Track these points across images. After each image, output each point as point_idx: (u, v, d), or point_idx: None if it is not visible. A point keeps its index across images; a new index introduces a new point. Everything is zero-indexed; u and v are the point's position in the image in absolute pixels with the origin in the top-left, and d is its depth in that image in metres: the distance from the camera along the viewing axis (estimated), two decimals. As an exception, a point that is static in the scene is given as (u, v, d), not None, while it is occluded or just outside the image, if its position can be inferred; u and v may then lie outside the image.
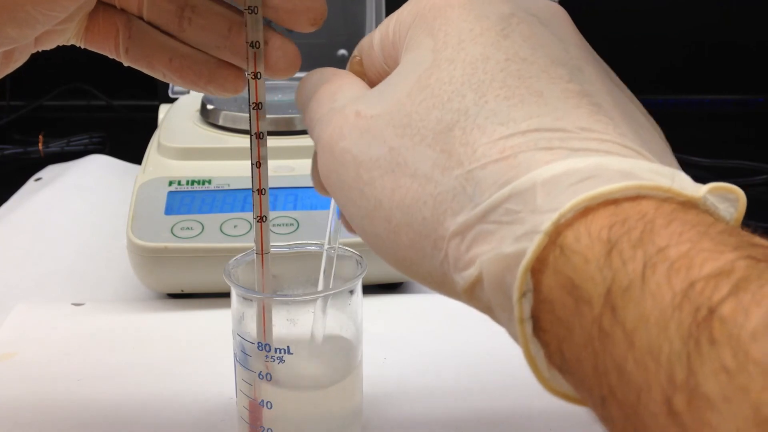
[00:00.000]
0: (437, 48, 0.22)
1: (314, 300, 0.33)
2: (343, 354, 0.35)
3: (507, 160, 0.20)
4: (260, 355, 0.32)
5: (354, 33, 0.75)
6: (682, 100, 1.12)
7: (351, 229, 0.27)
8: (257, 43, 0.29)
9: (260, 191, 0.31)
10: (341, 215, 0.29)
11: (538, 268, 0.19)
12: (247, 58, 0.29)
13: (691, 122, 1.05)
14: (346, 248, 0.35)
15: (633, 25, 1.07)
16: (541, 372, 0.20)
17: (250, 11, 0.28)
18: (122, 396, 0.40)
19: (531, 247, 0.18)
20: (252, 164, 0.31)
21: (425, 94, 0.22)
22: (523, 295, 0.19)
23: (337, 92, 0.25)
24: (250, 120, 0.30)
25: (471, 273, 0.20)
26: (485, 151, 0.20)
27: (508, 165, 0.20)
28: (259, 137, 0.30)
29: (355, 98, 0.24)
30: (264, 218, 0.31)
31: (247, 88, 0.30)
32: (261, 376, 0.32)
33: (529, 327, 0.19)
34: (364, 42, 0.28)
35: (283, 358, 0.32)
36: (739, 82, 1.12)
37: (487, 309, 0.21)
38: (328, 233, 0.33)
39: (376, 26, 0.85)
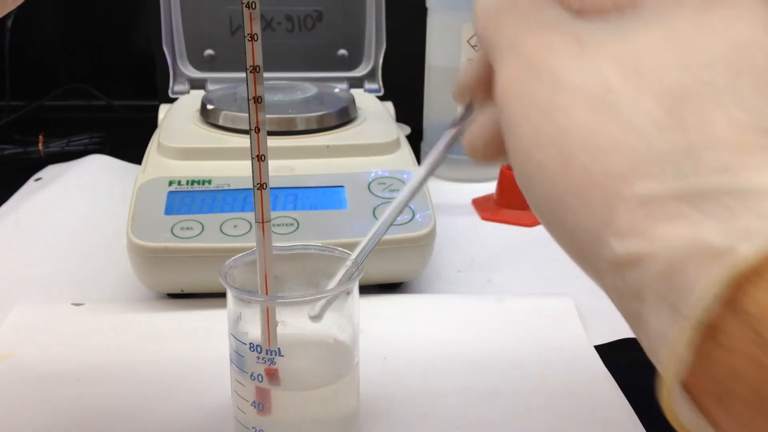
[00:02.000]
0: (705, 11, 0.20)
1: (310, 302, 0.33)
2: (338, 356, 0.35)
3: (741, 152, 0.18)
4: (252, 356, 0.32)
5: (354, 33, 0.75)
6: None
7: (475, 153, 0.25)
8: (253, 4, 0.29)
9: (259, 157, 0.31)
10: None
11: (748, 276, 0.16)
12: (243, 20, 0.29)
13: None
14: (344, 250, 0.35)
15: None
16: (673, 395, 0.17)
17: None
18: (122, 396, 0.40)
19: (749, 248, 0.16)
20: (250, 129, 0.31)
21: (673, 51, 0.19)
22: (708, 297, 0.16)
23: (545, 7, 0.23)
24: (247, 84, 0.30)
25: (639, 245, 0.18)
26: (720, 132, 0.18)
27: (741, 157, 0.17)
28: (257, 101, 0.30)
29: (572, 21, 0.22)
30: (265, 185, 0.31)
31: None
32: (253, 377, 0.32)
33: (697, 336, 0.16)
34: None
35: (275, 360, 0.32)
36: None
37: (631, 294, 0.19)
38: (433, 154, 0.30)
39: (376, 27, 0.84)
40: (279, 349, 0.32)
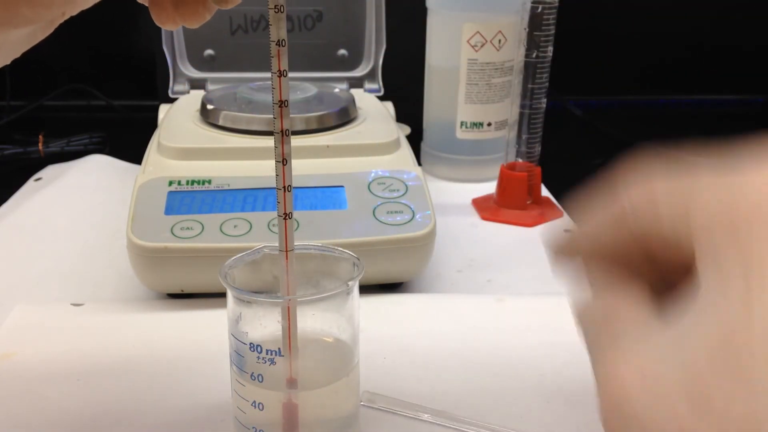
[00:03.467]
0: (752, 296, 0.17)
1: (312, 302, 0.33)
2: (339, 356, 0.35)
3: None
4: (252, 356, 0.32)
5: (354, 33, 0.75)
6: (682, 100, 1.12)
7: None
8: (283, 41, 0.29)
9: (286, 188, 0.31)
10: None
11: None
12: (271, 56, 0.29)
13: (691, 122, 1.05)
14: (344, 250, 0.35)
15: (634, 26, 1.07)
16: None
17: (276, 10, 0.28)
18: (122, 396, 0.40)
19: None
20: (276, 161, 0.31)
21: (730, 367, 0.17)
22: None
23: (617, 327, 0.22)
24: (274, 117, 0.30)
25: None
26: None
27: None
28: (284, 134, 0.30)
29: (637, 339, 0.20)
30: (290, 215, 0.31)
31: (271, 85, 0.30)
32: (253, 378, 0.32)
33: None
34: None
35: (275, 360, 0.32)
36: (739, 82, 1.12)
37: None
38: None
39: (376, 27, 0.84)
40: (279, 349, 0.32)
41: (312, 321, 0.34)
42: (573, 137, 0.95)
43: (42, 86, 0.97)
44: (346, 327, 0.34)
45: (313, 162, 0.54)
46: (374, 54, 0.75)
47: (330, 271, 0.35)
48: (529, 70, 0.63)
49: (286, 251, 0.32)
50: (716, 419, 0.17)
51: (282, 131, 0.30)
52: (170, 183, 0.51)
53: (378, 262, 0.48)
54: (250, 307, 0.33)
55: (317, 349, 0.35)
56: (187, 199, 0.50)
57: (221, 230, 0.48)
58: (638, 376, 0.20)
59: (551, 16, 0.61)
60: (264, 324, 0.33)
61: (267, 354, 0.32)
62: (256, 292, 0.33)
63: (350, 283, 0.33)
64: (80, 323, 0.47)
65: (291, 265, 0.32)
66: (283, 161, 0.31)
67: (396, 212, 0.50)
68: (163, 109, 0.70)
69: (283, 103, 0.30)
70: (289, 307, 0.32)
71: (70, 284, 0.53)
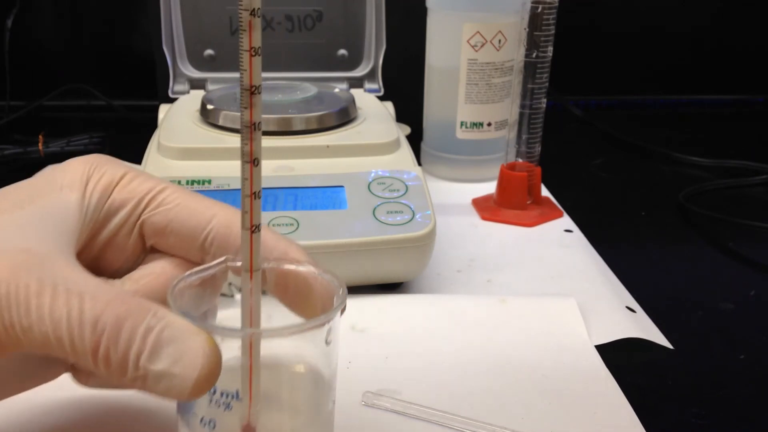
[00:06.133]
0: None
1: (290, 333, 0.26)
2: (311, 399, 0.29)
3: None
4: (204, 398, 0.26)
5: (354, 33, 0.75)
6: (682, 100, 1.12)
7: None
8: (256, 11, 0.23)
9: (253, 195, 0.26)
10: None
11: None
12: (242, 29, 0.23)
13: (691, 122, 1.05)
14: (325, 272, 0.28)
15: (634, 26, 1.07)
16: None
17: None
18: (122, 396, 0.40)
19: None
20: (243, 162, 0.25)
21: None
22: None
23: None
24: (242, 107, 0.24)
25: None
26: None
27: None
28: (252, 128, 0.24)
29: None
30: (257, 228, 0.26)
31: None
32: (203, 423, 0.26)
33: None
34: None
35: (230, 405, 0.26)
36: (739, 82, 1.12)
37: None
38: None
39: (376, 27, 0.84)
40: (237, 391, 0.26)
41: (283, 352, 0.28)
42: (573, 137, 0.95)
43: (42, 86, 0.97)
44: (322, 363, 0.28)
45: (313, 162, 0.54)
46: (374, 54, 0.75)
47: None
48: (529, 70, 0.63)
49: (251, 270, 0.26)
50: None
51: (251, 125, 0.24)
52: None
53: (378, 262, 0.48)
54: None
55: (285, 389, 0.30)
56: (187, 199, 0.50)
57: (221, 230, 0.48)
58: None
59: (551, 16, 0.61)
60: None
61: (222, 397, 0.26)
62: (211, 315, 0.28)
63: (329, 314, 0.26)
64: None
65: (256, 289, 0.26)
66: (252, 161, 0.25)
67: (396, 212, 0.50)
68: (163, 109, 0.70)
69: (254, 89, 0.24)
70: (251, 342, 0.25)
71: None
